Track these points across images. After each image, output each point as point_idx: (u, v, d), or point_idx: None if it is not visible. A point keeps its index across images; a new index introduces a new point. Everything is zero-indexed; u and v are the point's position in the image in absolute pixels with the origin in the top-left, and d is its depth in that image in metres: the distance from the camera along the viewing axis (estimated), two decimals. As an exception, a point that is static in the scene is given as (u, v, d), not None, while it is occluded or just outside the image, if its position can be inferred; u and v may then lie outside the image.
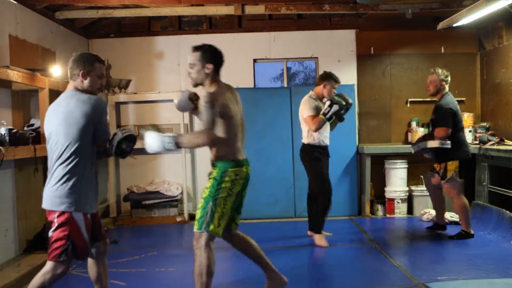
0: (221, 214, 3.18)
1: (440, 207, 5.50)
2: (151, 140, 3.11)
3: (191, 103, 3.40)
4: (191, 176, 6.96)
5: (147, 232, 6.09)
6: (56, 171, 2.87)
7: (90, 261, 3.16)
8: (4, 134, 4.04)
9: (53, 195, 2.86)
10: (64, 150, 2.85)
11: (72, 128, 2.83)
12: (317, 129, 4.89)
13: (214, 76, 3.22)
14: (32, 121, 4.89)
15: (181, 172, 6.70)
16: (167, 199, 6.57)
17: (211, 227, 3.14)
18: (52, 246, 2.86)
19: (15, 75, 4.18)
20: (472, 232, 5.14)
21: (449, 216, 5.88)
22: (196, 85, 3.27)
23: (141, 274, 4.33)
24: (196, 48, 3.20)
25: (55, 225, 2.86)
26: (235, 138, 3.24)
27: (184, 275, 4.28)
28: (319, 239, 5.05)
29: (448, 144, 4.94)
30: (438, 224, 5.51)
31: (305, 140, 5.09)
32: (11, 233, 4.65)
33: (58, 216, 2.85)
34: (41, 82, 4.68)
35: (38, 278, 2.86)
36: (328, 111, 4.82)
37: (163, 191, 6.58)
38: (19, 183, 4.78)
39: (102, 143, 2.97)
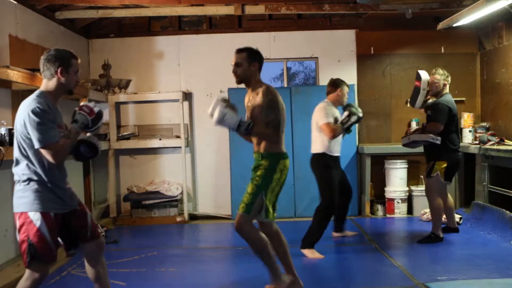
0: (270, 202, 3.53)
1: (449, 210, 5.41)
2: (230, 118, 3.34)
3: (235, 113, 3.40)
4: (191, 176, 6.96)
5: (147, 232, 6.08)
6: (15, 174, 2.85)
7: (86, 262, 3.08)
8: (4, 134, 4.04)
9: (15, 196, 2.84)
10: (20, 153, 2.82)
11: (22, 131, 2.78)
12: (334, 137, 4.79)
13: (259, 75, 3.59)
14: (32, 121, 4.88)
15: (181, 172, 6.70)
16: (167, 199, 6.57)
17: (270, 214, 3.53)
18: (20, 250, 2.79)
19: (15, 75, 4.17)
20: (441, 235, 5.07)
21: (457, 217, 5.87)
22: (240, 82, 3.58)
23: (141, 274, 4.33)
24: (242, 50, 3.56)
25: (17, 227, 2.80)
26: (283, 132, 3.56)
27: (184, 275, 4.28)
28: (311, 253, 4.73)
29: (438, 140, 4.88)
30: (450, 227, 5.44)
31: (316, 149, 4.94)
32: (11, 233, 4.65)
33: (18, 218, 2.79)
34: (41, 82, 4.67)
35: (19, 286, 2.80)
36: (347, 121, 4.77)
37: (163, 191, 6.58)
38: (19, 183, 4.77)
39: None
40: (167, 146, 6.82)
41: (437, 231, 5.08)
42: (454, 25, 5.86)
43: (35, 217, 2.75)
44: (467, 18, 5.47)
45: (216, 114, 3.36)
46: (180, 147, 6.67)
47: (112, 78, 6.73)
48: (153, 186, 6.71)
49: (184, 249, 5.31)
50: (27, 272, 2.79)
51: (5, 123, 4.22)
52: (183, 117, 6.66)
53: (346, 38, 6.96)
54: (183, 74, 6.95)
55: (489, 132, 6.20)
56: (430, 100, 5.20)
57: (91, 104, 2.90)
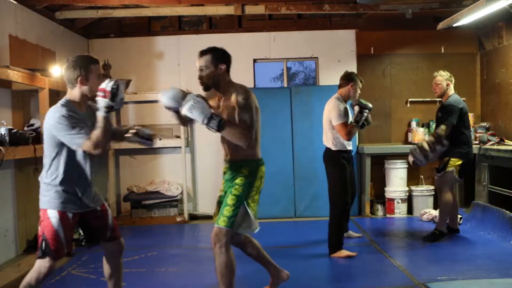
0: (254, 212, 3.24)
1: (455, 209, 5.39)
2: (200, 107, 2.99)
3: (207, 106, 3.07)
4: (191, 176, 6.97)
5: (147, 232, 6.09)
6: (41, 175, 2.95)
7: (104, 259, 3.17)
8: (4, 134, 4.04)
9: (40, 194, 2.94)
10: (48, 153, 2.89)
11: (50, 138, 2.85)
12: (350, 138, 4.65)
13: (228, 76, 3.26)
14: (32, 121, 4.89)
15: (181, 172, 6.70)
16: (167, 199, 6.57)
17: (253, 226, 3.22)
18: (38, 243, 2.92)
19: (15, 75, 4.18)
20: (445, 231, 5.11)
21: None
22: (207, 88, 3.26)
23: (141, 274, 4.33)
24: (205, 52, 3.21)
25: (39, 222, 2.92)
26: (259, 137, 3.31)
27: (184, 275, 4.28)
28: (341, 253, 4.62)
29: (445, 144, 4.84)
30: (452, 228, 5.43)
31: (329, 144, 4.78)
32: (11, 233, 4.65)
33: (41, 213, 2.91)
34: (41, 82, 4.68)
35: (26, 278, 2.89)
36: (360, 118, 4.57)
37: (163, 191, 6.58)
38: (19, 183, 4.78)
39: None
40: (167, 146, 6.82)
41: (441, 227, 5.09)
42: (454, 25, 5.85)
43: (53, 215, 2.85)
44: (467, 18, 5.47)
45: (186, 103, 3.01)
46: (180, 147, 6.67)
47: (112, 78, 6.73)
48: (153, 186, 6.72)
49: (184, 249, 5.31)
50: (36, 264, 2.89)
51: (5, 123, 4.22)
52: (183, 117, 6.65)
53: (346, 38, 6.96)
54: (183, 74, 6.95)
55: (489, 132, 6.20)
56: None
57: (104, 83, 2.77)
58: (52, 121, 2.79)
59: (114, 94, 2.73)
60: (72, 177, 2.90)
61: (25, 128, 4.74)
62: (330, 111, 4.69)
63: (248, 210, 3.19)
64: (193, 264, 4.65)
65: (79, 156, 2.90)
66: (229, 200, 3.17)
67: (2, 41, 4.67)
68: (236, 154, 3.24)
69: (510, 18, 5.96)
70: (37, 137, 4.62)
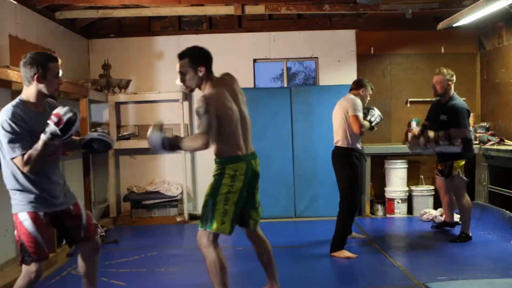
0: (223, 211, 3.13)
1: (451, 206, 5.50)
2: (152, 138, 3.07)
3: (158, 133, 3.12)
4: (191, 176, 6.96)
5: (147, 232, 6.08)
6: (5, 178, 2.87)
7: (79, 258, 3.10)
8: (4, 134, 4.02)
9: (12, 200, 2.87)
10: (3, 158, 2.81)
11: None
12: (361, 132, 4.70)
13: (208, 76, 3.19)
14: (32, 121, 4.88)
15: (181, 172, 6.70)
16: (167, 199, 6.57)
17: (214, 225, 3.11)
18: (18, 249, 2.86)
19: (15, 75, 4.17)
20: (470, 234, 5.11)
21: (457, 217, 5.87)
22: (192, 91, 3.29)
23: (141, 274, 4.33)
24: (183, 55, 3.16)
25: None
26: (234, 134, 3.18)
27: (184, 275, 4.28)
28: (342, 254, 4.63)
29: (458, 145, 4.93)
30: (447, 222, 5.55)
31: (341, 142, 4.76)
32: (11, 233, 4.65)
33: (14, 219, 2.85)
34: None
35: (17, 284, 2.85)
36: (375, 119, 4.75)
37: (163, 191, 6.57)
38: (19, 183, 4.77)
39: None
40: (167, 146, 6.80)
41: (466, 230, 5.09)
42: (454, 25, 5.85)
43: (24, 218, 2.79)
44: (467, 18, 5.47)
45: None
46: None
47: (112, 78, 6.73)
48: (153, 186, 6.71)
49: (184, 249, 5.31)
50: (23, 270, 2.85)
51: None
52: (183, 117, 6.66)
53: (346, 38, 6.96)
54: (183, 74, 6.94)
55: (489, 132, 6.20)
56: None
57: (63, 110, 2.70)
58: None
59: (67, 127, 2.68)
60: (30, 178, 2.79)
61: (25, 128, 4.72)
62: (347, 104, 4.72)
63: (212, 208, 3.13)
64: (193, 264, 4.65)
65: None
66: (204, 202, 3.23)
67: (2, 41, 4.67)
68: (214, 150, 3.26)
69: (510, 18, 5.96)
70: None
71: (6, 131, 2.68)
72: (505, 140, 5.83)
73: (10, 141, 2.68)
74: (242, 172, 3.19)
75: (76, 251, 3.16)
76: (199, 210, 6.94)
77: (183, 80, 3.18)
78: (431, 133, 4.95)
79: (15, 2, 4.96)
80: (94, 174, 6.58)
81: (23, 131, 2.71)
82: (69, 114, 2.69)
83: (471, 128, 6.36)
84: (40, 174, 2.83)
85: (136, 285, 4.03)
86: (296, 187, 6.66)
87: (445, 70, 5.11)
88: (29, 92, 2.81)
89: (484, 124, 6.55)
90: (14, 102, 2.80)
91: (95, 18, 6.50)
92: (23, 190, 2.80)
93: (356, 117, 4.65)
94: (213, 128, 3.03)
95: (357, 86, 4.93)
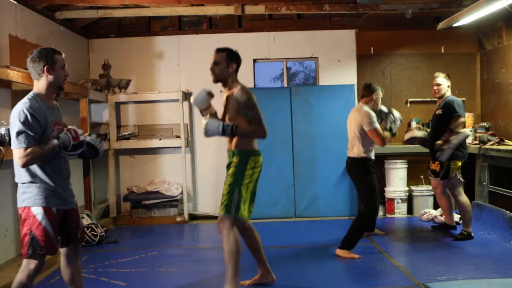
0: (245, 199, 3.53)
1: (450, 209, 5.52)
2: (212, 125, 3.46)
3: (208, 100, 3.66)
4: (191, 176, 6.97)
5: (147, 232, 6.08)
6: (16, 176, 2.95)
7: (62, 263, 3.12)
8: (4, 134, 4.03)
9: (18, 193, 2.93)
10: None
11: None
12: (385, 144, 4.73)
13: (235, 75, 3.67)
14: (32, 121, 4.88)
15: (181, 172, 6.70)
16: (167, 199, 6.57)
17: (240, 211, 3.49)
18: (22, 243, 2.90)
19: (15, 75, 4.17)
20: (471, 232, 5.15)
21: (457, 217, 5.87)
22: (217, 81, 3.68)
23: (141, 274, 4.33)
24: (221, 50, 3.66)
25: (21, 221, 2.92)
26: None
27: (184, 275, 4.28)
28: (347, 254, 4.66)
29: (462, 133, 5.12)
30: (448, 225, 5.53)
31: (356, 153, 4.79)
32: (11, 233, 4.65)
33: (21, 212, 2.90)
34: (41, 82, 4.67)
35: (16, 278, 2.90)
36: (395, 127, 4.81)
37: (163, 191, 6.57)
38: (19, 183, 4.78)
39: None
40: (167, 146, 6.82)
41: (468, 228, 5.15)
42: (454, 25, 5.86)
43: (38, 212, 2.85)
44: (467, 18, 5.47)
45: (203, 129, 3.51)
46: (180, 147, 6.67)
47: (112, 78, 6.73)
48: (153, 186, 6.71)
49: (184, 249, 5.31)
50: (24, 263, 2.89)
51: (5, 123, 4.22)
52: (183, 117, 6.66)
53: (346, 38, 6.96)
54: (183, 74, 6.96)
55: (489, 132, 6.19)
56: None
57: (80, 131, 2.95)
58: (13, 112, 2.84)
59: (78, 146, 2.91)
60: (48, 172, 2.88)
61: (25, 128, 4.72)
62: (362, 118, 4.70)
63: (238, 196, 3.48)
64: (193, 264, 4.65)
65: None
66: (224, 189, 3.54)
67: (2, 41, 4.67)
68: (232, 145, 3.62)
69: (510, 18, 5.96)
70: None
71: (20, 121, 2.78)
72: (505, 140, 5.82)
73: (19, 132, 2.77)
74: (259, 165, 3.63)
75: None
76: (199, 210, 6.98)
77: (213, 69, 3.64)
78: (439, 142, 5.12)
79: (15, 2, 4.96)
80: (94, 174, 6.58)
81: (36, 124, 2.81)
82: (84, 137, 2.95)
83: (471, 128, 6.39)
84: (54, 169, 2.93)
85: (136, 285, 4.03)
86: (296, 187, 6.66)
87: (443, 74, 5.35)
88: (40, 85, 2.93)
89: (484, 124, 6.54)
90: (29, 95, 2.92)
91: (95, 18, 6.50)
92: (39, 184, 2.87)
93: (375, 131, 4.64)
94: (261, 120, 3.52)
95: (368, 91, 4.88)
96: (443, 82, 5.30)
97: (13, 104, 4.75)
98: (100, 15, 6.24)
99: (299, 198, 6.67)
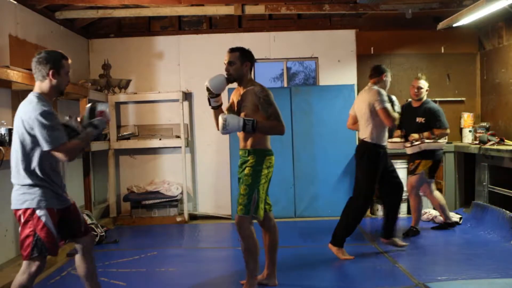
0: (262, 199, 3.60)
1: (443, 206, 5.59)
2: (232, 120, 3.42)
3: (225, 86, 3.67)
4: (191, 176, 6.96)
5: (147, 232, 6.08)
6: (14, 177, 2.93)
7: (77, 258, 3.14)
8: (4, 134, 4.03)
9: (16, 194, 2.91)
10: (22, 152, 2.87)
11: (23, 132, 2.87)
12: (394, 125, 4.53)
13: (249, 74, 3.73)
14: (32, 121, 4.88)
15: (181, 172, 6.70)
16: (167, 199, 6.57)
17: (259, 211, 3.58)
18: (22, 244, 2.89)
19: (15, 75, 4.17)
20: (452, 220, 5.49)
21: (457, 217, 5.87)
22: (232, 81, 3.70)
23: (141, 274, 4.33)
24: (235, 49, 3.69)
25: (21, 223, 2.90)
26: None
27: (184, 275, 4.28)
28: (341, 254, 4.61)
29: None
30: (448, 223, 5.60)
31: (366, 137, 4.57)
32: (11, 233, 4.65)
33: (22, 214, 2.89)
34: (41, 82, 4.67)
35: (16, 280, 2.91)
36: (397, 109, 4.60)
37: (163, 191, 6.57)
38: (19, 183, 4.77)
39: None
40: (167, 146, 6.82)
41: (448, 218, 5.45)
42: (454, 25, 5.86)
43: (42, 213, 2.87)
44: (467, 18, 5.48)
45: (219, 124, 3.46)
46: (180, 147, 6.67)
47: (112, 78, 6.73)
48: (153, 186, 6.71)
49: (184, 249, 5.31)
50: (24, 265, 2.90)
51: (5, 123, 4.22)
52: (183, 117, 6.66)
53: (346, 38, 6.96)
54: (183, 74, 6.96)
55: (489, 132, 6.19)
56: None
57: (104, 107, 3.09)
58: (30, 113, 2.80)
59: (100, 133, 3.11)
60: (48, 173, 2.91)
61: (25, 128, 4.72)
62: (373, 97, 4.51)
63: (257, 196, 3.54)
64: (193, 264, 4.65)
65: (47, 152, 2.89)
66: (242, 190, 3.57)
67: (2, 41, 4.67)
68: (245, 144, 3.65)
69: (510, 18, 5.96)
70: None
71: (46, 121, 2.78)
72: (505, 140, 5.83)
73: (51, 131, 2.79)
74: (273, 164, 3.69)
75: (74, 251, 3.19)
76: (199, 210, 6.98)
77: (228, 69, 3.66)
78: (415, 135, 5.28)
79: (15, 2, 4.95)
80: (94, 174, 6.58)
81: (59, 121, 2.88)
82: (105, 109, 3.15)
83: (471, 128, 6.41)
84: (55, 170, 2.96)
85: (136, 285, 4.03)
86: (296, 187, 6.66)
87: (424, 76, 5.43)
88: (43, 87, 2.94)
89: (484, 124, 6.54)
90: (36, 96, 2.90)
91: (95, 18, 6.50)
92: (42, 185, 2.88)
93: (385, 110, 4.43)
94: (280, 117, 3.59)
95: (378, 72, 4.68)
96: (424, 85, 5.35)
97: (13, 104, 4.78)
98: (100, 15, 6.24)
99: (299, 198, 6.67)
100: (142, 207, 6.59)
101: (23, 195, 2.88)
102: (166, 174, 6.93)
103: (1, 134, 4.03)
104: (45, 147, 2.81)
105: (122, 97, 6.72)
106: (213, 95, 3.68)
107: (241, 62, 3.67)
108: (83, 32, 6.77)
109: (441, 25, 5.97)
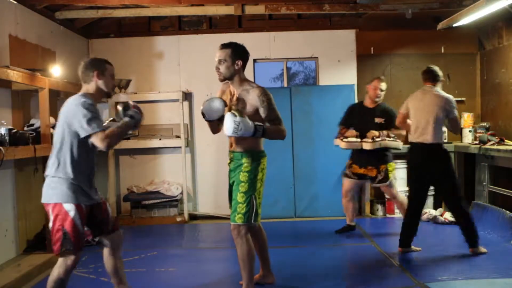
0: (259, 204, 3.50)
1: (354, 210, 5.63)
2: (245, 125, 3.25)
3: (221, 113, 3.44)
4: (191, 176, 6.97)
5: (147, 232, 6.08)
6: (48, 168, 3.04)
7: (106, 254, 3.29)
8: (4, 134, 4.04)
9: (46, 188, 3.02)
10: (58, 145, 3.02)
11: (65, 128, 3.01)
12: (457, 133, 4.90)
13: (243, 72, 3.51)
14: (32, 121, 4.89)
15: (181, 172, 6.70)
16: (167, 199, 6.57)
17: (258, 218, 3.50)
18: (52, 239, 3.00)
19: (15, 75, 4.17)
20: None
21: (449, 216, 5.88)
22: (223, 80, 3.49)
23: (141, 274, 4.33)
24: (226, 45, 3.45)
25: (51, 217, 3.00)
26: None
27: (184, 275, 4.28)
28: (481, 249, 4.58)
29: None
30: (349, 225, 5.61)
31: (438, 140, 4.57)
32: (11, 233, 4.65)
33: (52, 208, 2.98)
34: (41, 82, 4.68)
35: (53, 273, 3.01)
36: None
37: (163, 191, 6.57)
38: (19, 183, 4.78)
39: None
40: (167, 146, 6.82)
41: (350, 222, 5.54)
42: (454, 25, 5.85)
43: (70, 208, 2.96)
44: (467, 18, 5.47)
45: (229, 126, 3.25)
46: (180, 147, 6.67)
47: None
48: (153, 186, 6.71)
49: (184, 249, 5.31)
50: (60, 260, 3.00)
51: (5, 123, 4.22)
52: (183, 117, 6.66)
53: (346, 38, 6.96)
54: (183, 74, 6.96)
55: (489, 132, 6.19)
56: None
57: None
58: (72, 106, 2.95)
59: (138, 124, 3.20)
60: (81, 170, 3.03)
61: (25, 128, 4.74)
62: (448, 105, 4.53)
63: (255, 203, 3.45)
64: (193, 264, 4.66)
65: (86, 149, 3.02)
66: (239, 198, 3.44)
67: (2, 41, 4.67)
68: (238, 145, 3.51)
69: (510, 18, 5.96)
70: (37, 137, 4.62)
71: (86, 111, 2.91)
72: (505, 140, 5.83)
73: (91, 119, 2.90)
74: (266, 165, 3.59)
75: (101, 247, 3.34)
76: (199, 210, 6.98)
77: (218, 68, 3.44)
78: (375, 132, 5.25)
79: (15, 2, 4.95)
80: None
81: (99, 113, 3.01)
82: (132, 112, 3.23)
83: (471, 128, 6.40)
84: (87, 167, 3.08)
85: (136, 285, 4.01)
86: (296, 187, 6.66)
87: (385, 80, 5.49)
88: (89, 88, 3.14)
89: (484, 124, 6.54)
90: (78, 95, 3.06)
91: (95, 18, 6.50)
92: (73, 181, 2.98)
93: (457, 119, 4.65)
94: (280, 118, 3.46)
95: (436, 75, 4.72)
96: (385, 88, 5.40)
97: (13, 104, 4.78)
98: (100, 15, 6.24)
99: (299, 198, 6.67)
100: (142, 207, 6.59)
101: (53, 189, 2.98)
102: (166, 174, 6.93)
103: (1, 134, 4.03)
104: (83, 133, 2.91)
105: (122, 97, 6.70)
106: (209, 120, 3.54)
107: (232, 60, 3.42)
108: (83, 32, 6.77)
109: (441, 25, 5.96)
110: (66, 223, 2.94)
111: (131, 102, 3.26)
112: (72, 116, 2.94)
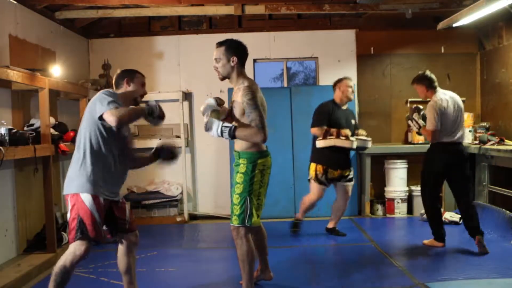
0: (257, 206, 3.43)
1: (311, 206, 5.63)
2: (211, 125, 3.26)
3: (216, 121, 3.35)
4: (191, 176, 6.97)
5: (147, 232, 6.07)
6: (73, 159, 3.14)
7: (120, 252, 3.35)
8: (4, 134, 4.03)
9: (67, 181, 3.12)
10: (80, 140, 3.12)
11: (88, 120, 3.11)
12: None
13: (240, 69, 3.41)
14: (32, 121, 4.89)
15: (181, 172, 6.70)
16: (167, 199, 6.57)
17: (253, 219, 3.40)
18: (69, 228, 3.07)
19: (15, 75, 4.17)
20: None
21: (449, 216, 5.89)
22: (223, 78, 3.45)
23: (141, 274, 4.32)
24: (220, 43, 3.44)
25: (69, 207, 3.08)
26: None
27: (184, 275, 4.28)
28: (433, 243, 4.93)
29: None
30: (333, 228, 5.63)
31: (466, 141, 5.06)
32: (11, 233, 4.65)
33: (70, 198, 3.07)
34: (41, 82, 4.68)
35: (60, 260, 3.03)
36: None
37: (163, 191, 6.58)
38: (19, 183, 4.78)
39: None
40: (167, 146, 6.81)
41: (301, 216, 5.60)
42: (454, 25, 5.85)
43: (86, 198, 3.03)
44: (467, 18, 5.47)
45: (206, 122, 3.32)
46: (180, 147, 6.66)
47: (112, 78, 6.72)
48: (153, 186, 6.71)
49: (184, 249, 5.31)
50: (71, 247, 3.04)
51: (5, 123, 4.22)
52: (183, 117, 6.66)
53: (346, 38, 6.96)
54: (183, 74, 6.96)
55: (489, 132, 6.20)
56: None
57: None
58: (95, 97, 3.06)
59: (160, 118, 3.34)
60: (101, 164, 3.10)
61: (25, 128, 4.73)
62: (462, 106, 4.86)
63: (250, 204, 3.38)
64: (193, 264, 4.65)
65: (107, 143, 3.11)
66: (235, 199, 3.42)
67: (2, 41, 4.67)
68: (236, 145, 3.48)
69: (510, 18, 5.96)
70: (37, 137, 4.62)
71: (106, 95, 3.02)
72: (505, 140, 5.83)
73: (110, 102, 2.96)
74: (269, 166, 3.48)
75: (115, 246, 3.40)
76: (199, 210, 6.98)
77: (215, 67, 3.40)
78: (348, 131, 5.29)
79: (15, 2, 4.95)
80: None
81: (120, 103, 3.04)
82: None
83: (471, 128, 6.40)
84: (106, 162, 3.14)
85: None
86: (296, 187, 6.66)
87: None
88: (118, 91, 3.27)
89: (484, 124, 6.55)
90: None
91: (95, 18, 6.50)
92: (91, 173, 3.06)
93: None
94: (265, 122, 3.30)
95: (429, 83, 4.95)
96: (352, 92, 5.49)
97: (13, 104, 4.79)
98: (100, 15, 6.24)
99: (299, 198, 6.63)
100: (142, 207, 6.60)
101: (72, 181, 3.07)
102: (166, 174, 6.93)
103: (1, 134, 4.03)
104: (98, 113, 2.97)
105: (122, 97, 6.72)
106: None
107: (227, 58, 3.34)
108: (83, 32, 6.77)
109: (441, 25, 5.96)
110: (81, 212, 3.00)
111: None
112: (93, 104, 3.05)
